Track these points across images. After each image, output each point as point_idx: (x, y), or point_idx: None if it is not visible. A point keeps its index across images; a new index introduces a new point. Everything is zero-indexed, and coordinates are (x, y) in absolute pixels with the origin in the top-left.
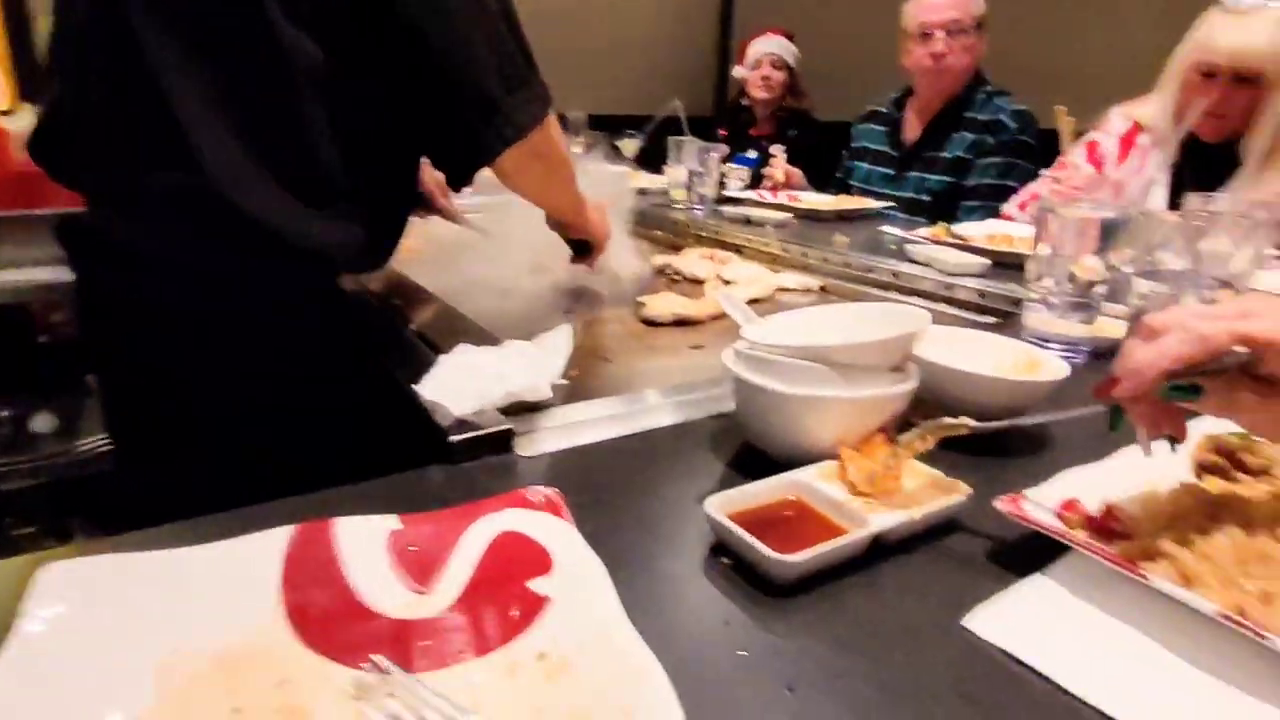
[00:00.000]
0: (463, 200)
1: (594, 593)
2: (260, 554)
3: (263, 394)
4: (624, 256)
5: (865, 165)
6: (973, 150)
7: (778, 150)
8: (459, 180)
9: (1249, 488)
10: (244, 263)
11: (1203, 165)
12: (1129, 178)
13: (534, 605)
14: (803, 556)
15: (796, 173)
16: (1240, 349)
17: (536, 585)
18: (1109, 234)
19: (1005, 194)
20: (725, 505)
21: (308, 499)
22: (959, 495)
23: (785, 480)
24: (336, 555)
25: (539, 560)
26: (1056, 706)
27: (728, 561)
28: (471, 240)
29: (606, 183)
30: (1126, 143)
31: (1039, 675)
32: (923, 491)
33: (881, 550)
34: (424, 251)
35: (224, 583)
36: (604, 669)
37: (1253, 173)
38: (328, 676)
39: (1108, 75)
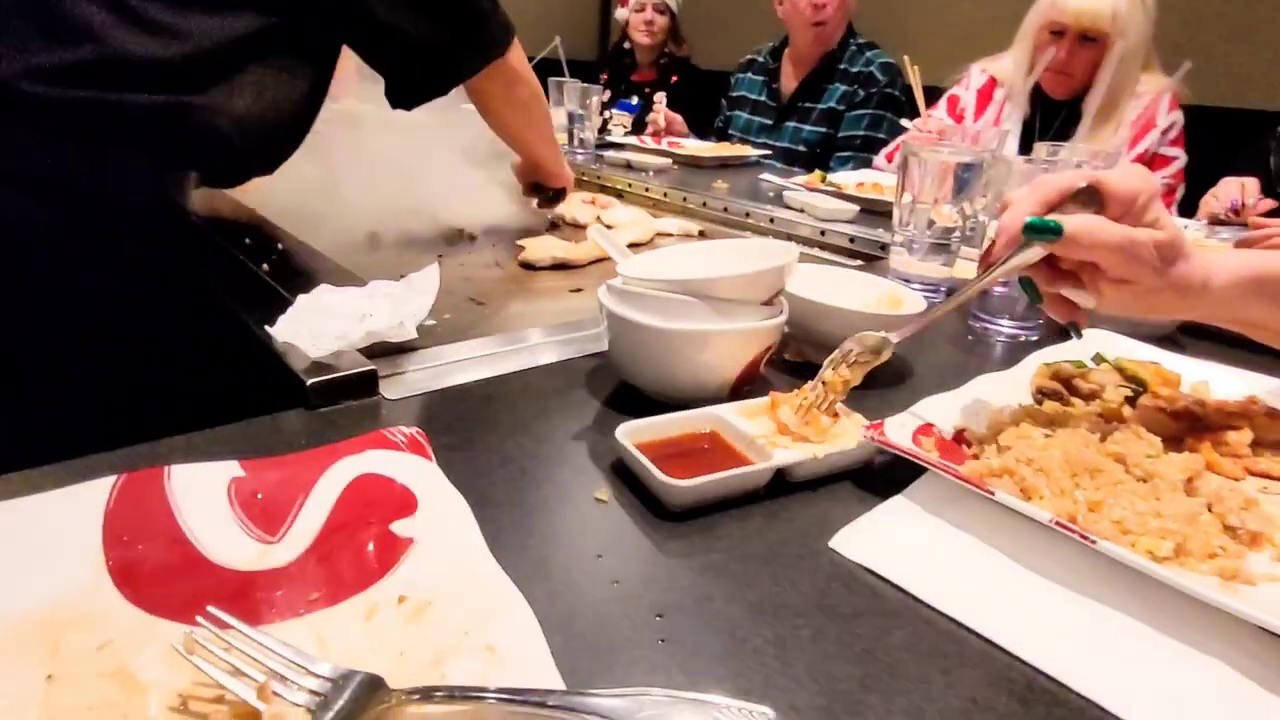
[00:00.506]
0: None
1: (458, 532)
2: (78, 507)
3: (85, 324)
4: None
5: (744, 115)
6: (845, 102)
7: (660, 97)
8: (414, 101)
9: (1080, 410)
10: (86, 161)
11: (1051, 119)
12: (985, 129)
13: (396, 548)
14: (694, 482)
15: (678, 119)
16: (1084, 185)
17: (399, 527)
18: (965, 181)
19: (876, 145)
20: (636, 434)
21: (141, 449)
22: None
23: (703, 414)
24: (170, 505)
25: (402, 501)
26: (910, 614)
27: (602, 498)
28: (336, 175)
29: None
30: (984, 96)
31: (896, 588)
32: (849, 434)
33: (789, 486)
34: (278, 186)
35: (35, 541)
36: (467, 606)
37: (1092, 126)
38: (158, 635)
39: (971, 33)
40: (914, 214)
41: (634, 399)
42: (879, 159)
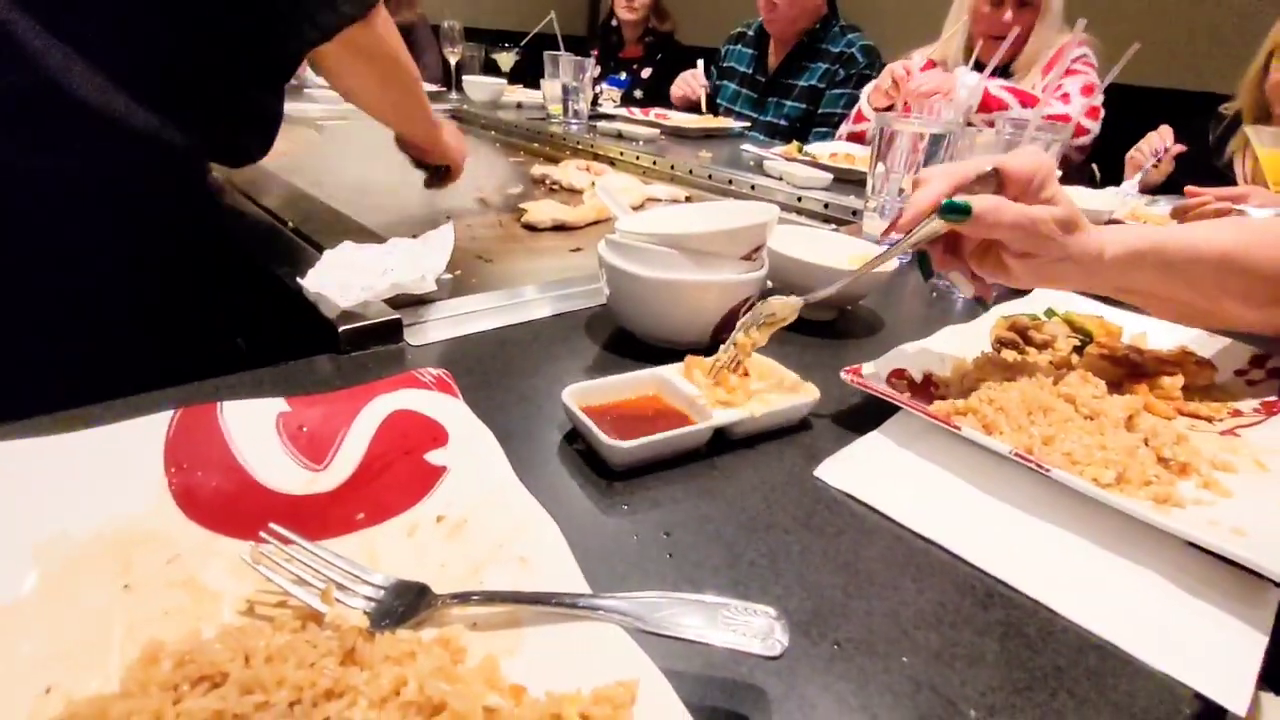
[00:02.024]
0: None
1: (487, 459)
2: (139, 438)
3: (129, 278)
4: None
5: (733, 86)
6: (825, 80)
7: (697, 74)
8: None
9: (1034, 357)
10: (95, 161)
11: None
12: (934, 103)
13: (431, 474)
14: (635, 443)
15: (705, 82)
16: (990, 169)
17: (433, 457)
18: (933, 152)
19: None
20: (582, 396)
21: (190, 387)
22: (808, 397)
23: (647, 376)
24: (224, 437)
25: (434, 434)
26: (885, 532)
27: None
28: (346, 145)
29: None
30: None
31: (873, 510)
32: (775, 393)
33: (730, 445)
34: (295, 154)
35: (102, 467)
36: (499, 524)
37: (1016, 82)
38: (221, 551)
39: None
40: (887, 181)
41: (629, 344)
42: (840, 131)
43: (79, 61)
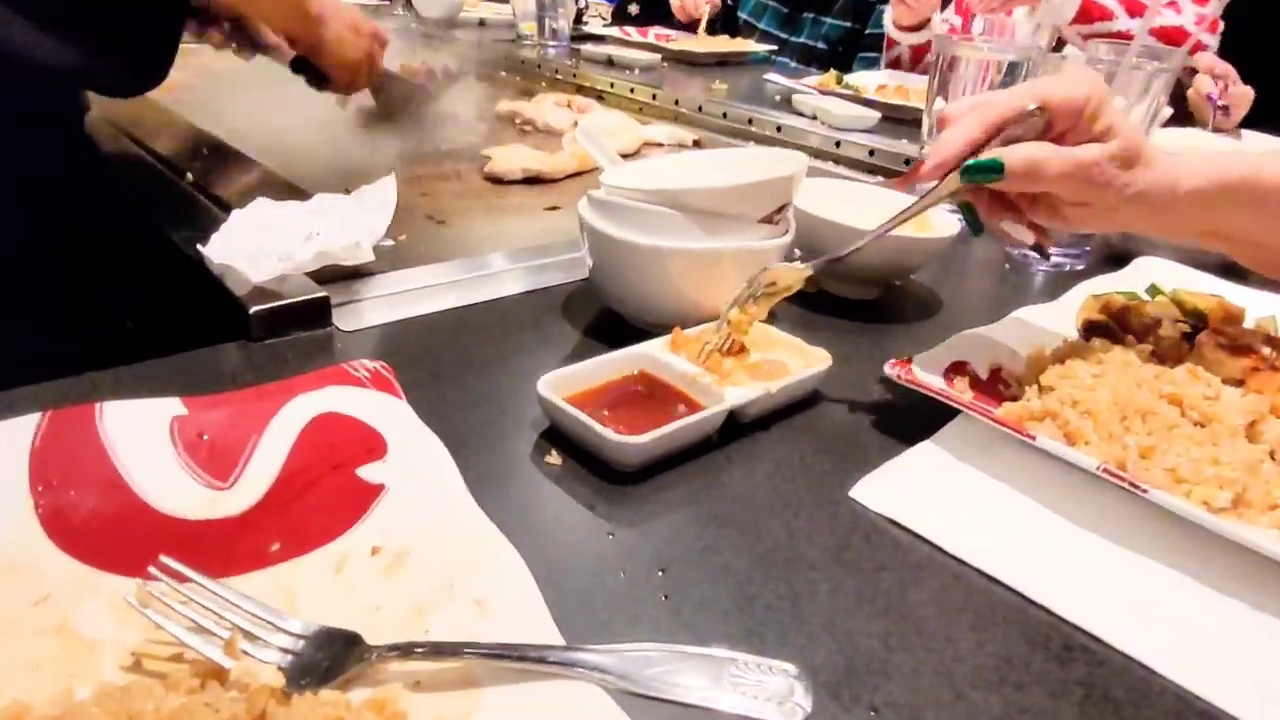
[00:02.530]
0: None
1: (435, 475)
2: (1, 447)
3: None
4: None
5: None
6: None
7: None
8: None
9: (1133, 346)
10: None
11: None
12: (1009, 20)
13: (365, 494)
14: (647, 438)
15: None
16: (1033, 107)
17: (367, 472)
18: (1008, 84)
19: None
20: (561, 385)
21: (62, 384)
22: (820, 364)
23: (630, 354)
24: (105, 447)
25: (369, 443)
26: (937, 569)
27: (554, 462)
28: (262, 74)
29: None
30: None
31: (922, 540)
32: (781, 363)
33: (741, 428)
34: (199, 87)
35: None
36: (450, 557)
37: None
38: (100, 589)
39: None
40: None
41: (617, 328)
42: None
43: None
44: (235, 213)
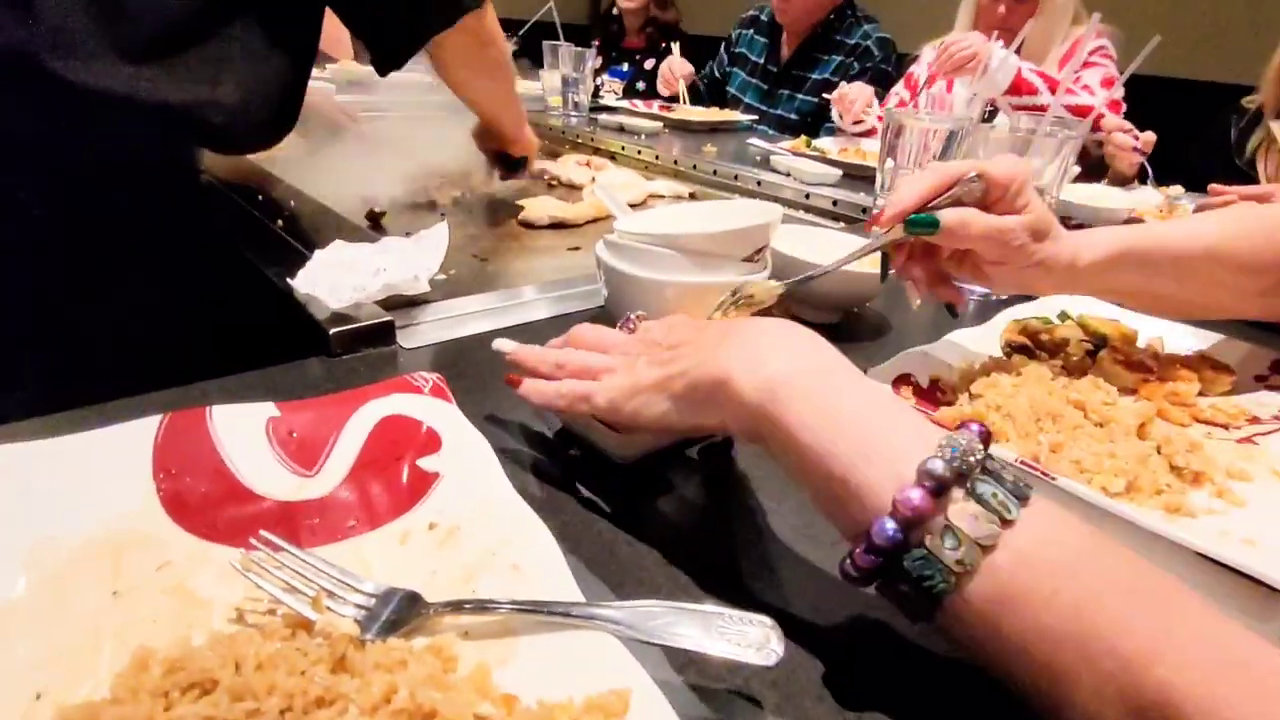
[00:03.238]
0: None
1: (480, 466)
2: (127, 442)
3: (115, 284)
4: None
5: (742, 74)
6: (839, 73)
7: (672, 64)
8: (393, 59)
9: (1045, 361)
10: (78, 135)
11: None
12: (949, 96)
13: (424, 481)
14: (637, 437)
15: (681, 63)
16: (974, 175)
17: (426, 463)
18: (947, 146)
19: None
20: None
21: (177, 391)
22: None
23: None
24: (213, 442)
25: (427, 440)
26: None
27: (575, 454)
28: (341, 142)
29: None
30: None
31: None
32: None
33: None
34: (289, 149)
35: (91, 473)
36: (492, 532)
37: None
38: (211, 558)
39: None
40: (897, 178)
41: None
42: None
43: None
44: (317, 253)
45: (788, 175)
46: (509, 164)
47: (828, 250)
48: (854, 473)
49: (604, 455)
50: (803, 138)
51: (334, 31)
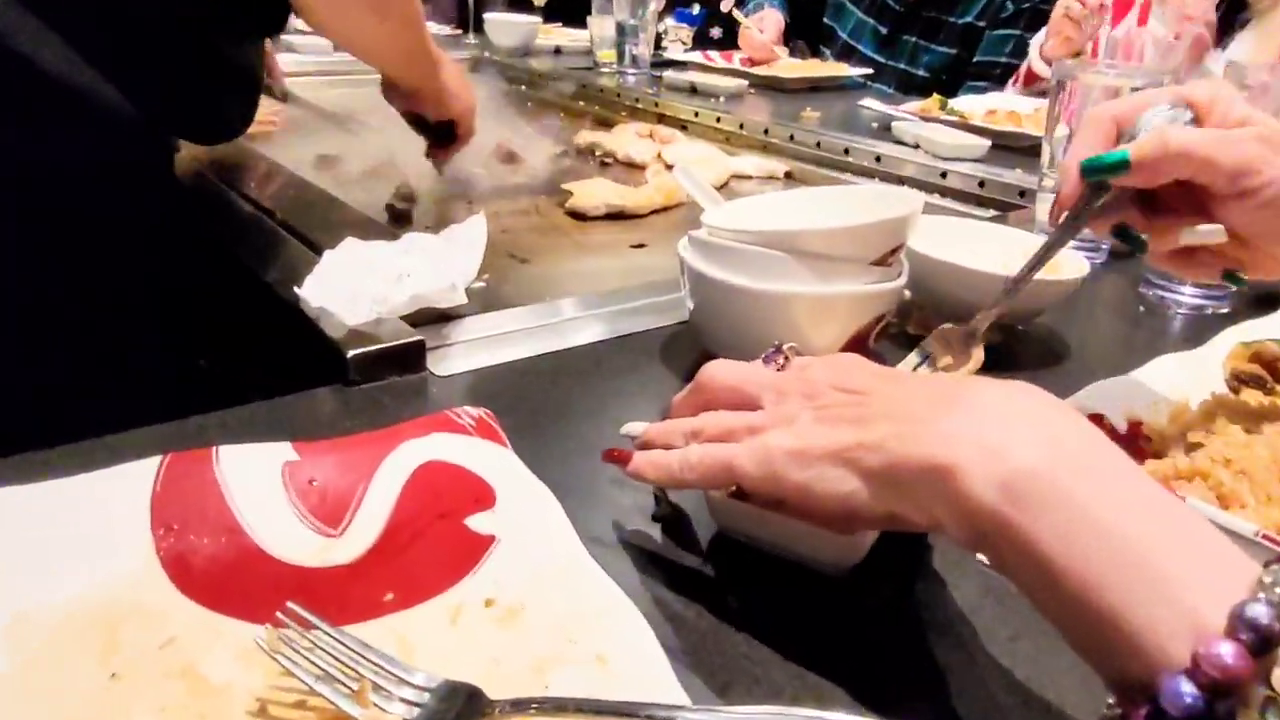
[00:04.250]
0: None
1: (546, 526)
2: (122, 490)
3: (84, 298)
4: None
5: (858, 13)
6: (987, 17)
7: (761, 19)
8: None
9: None
10: (35, 133)
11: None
12: (1137, 38)
13: (475, 545)
14: (867, 537)
15: (775, 22)
16: (1171, 105)
17: (477, 522)
18: None
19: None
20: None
21: (172, 426)
22: None
23: None
24: (222, 491)
25: (477, 492)
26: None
27: (664, 513)
28: (342, 117)
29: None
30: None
31: None
32: None
33: None
34: (280, 126)
35: (78, 526)
36: (567, 611)
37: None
38: (222, 634)
39: None
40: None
41: None
42: (1011, 85)
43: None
44: (327, 254)
45: (915, 147)
46: (433, 132)
47: (976, 248)
48: (1131, 612)
49: (810, 566)
50: (935, 97)
51: None
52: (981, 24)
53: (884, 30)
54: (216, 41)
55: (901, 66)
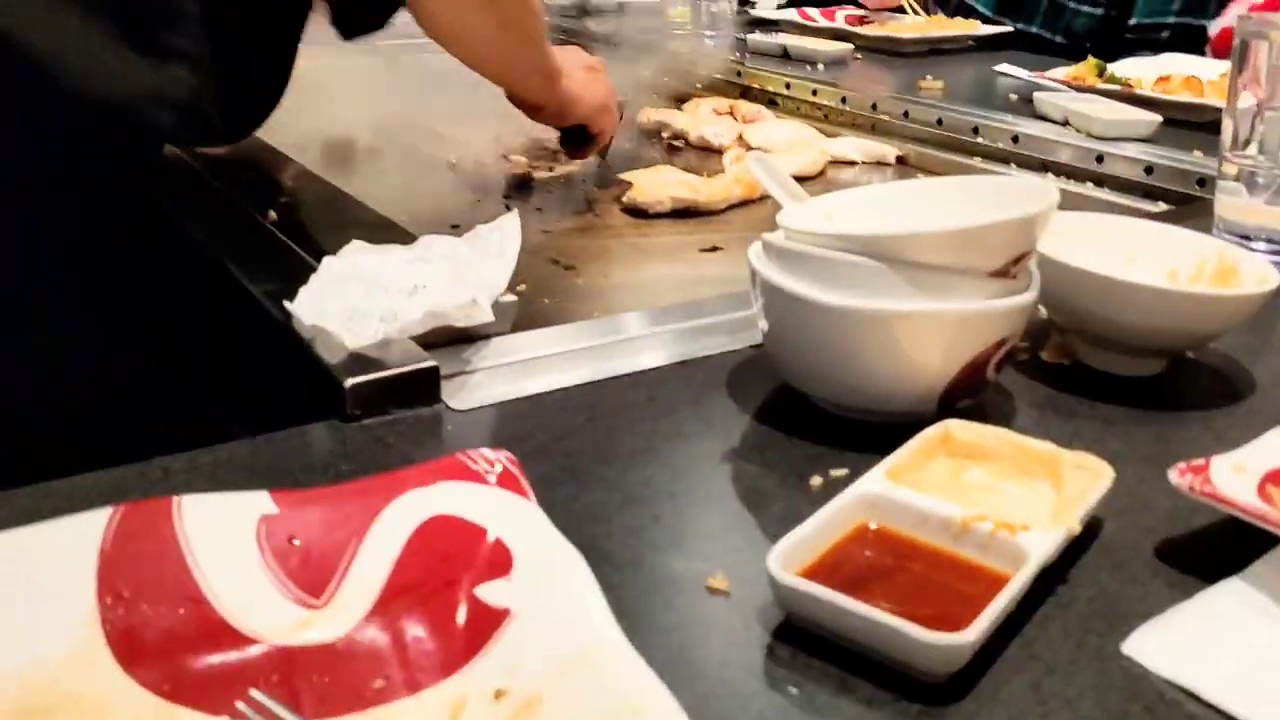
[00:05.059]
0: None
1: (571, 599)
2: (61, 549)
3: (44, 314)
4: None
5: None
6: None
7: None
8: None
9: None
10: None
11: None
12: None
13: (486, 621)
14: (972, 635)
15: None
16: None
17: (489, 592)
18: None
19: (1196, 39)
20: (794, 555)
21: (131, 470)
22: (1098, 480)
23: (849, 500)
24: (183, 551)
25: (491, 557)
26: None
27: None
28: (360, 83)
29: None
30: None
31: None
32: (1020, 480)
33: None
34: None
35: (8, 591)
36: (592, 705)
37: None
38: None
39: None
40: (1261, 128)
41: (800, 411)
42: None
43: None
44: (326, 260)
45: (1064, 124)
46: (571, 138)
47: (1138, 255)
48: None
49: (892, 662)
50: (1091, 61)
51: None
52: None
53: None
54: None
55: (1033, 31)
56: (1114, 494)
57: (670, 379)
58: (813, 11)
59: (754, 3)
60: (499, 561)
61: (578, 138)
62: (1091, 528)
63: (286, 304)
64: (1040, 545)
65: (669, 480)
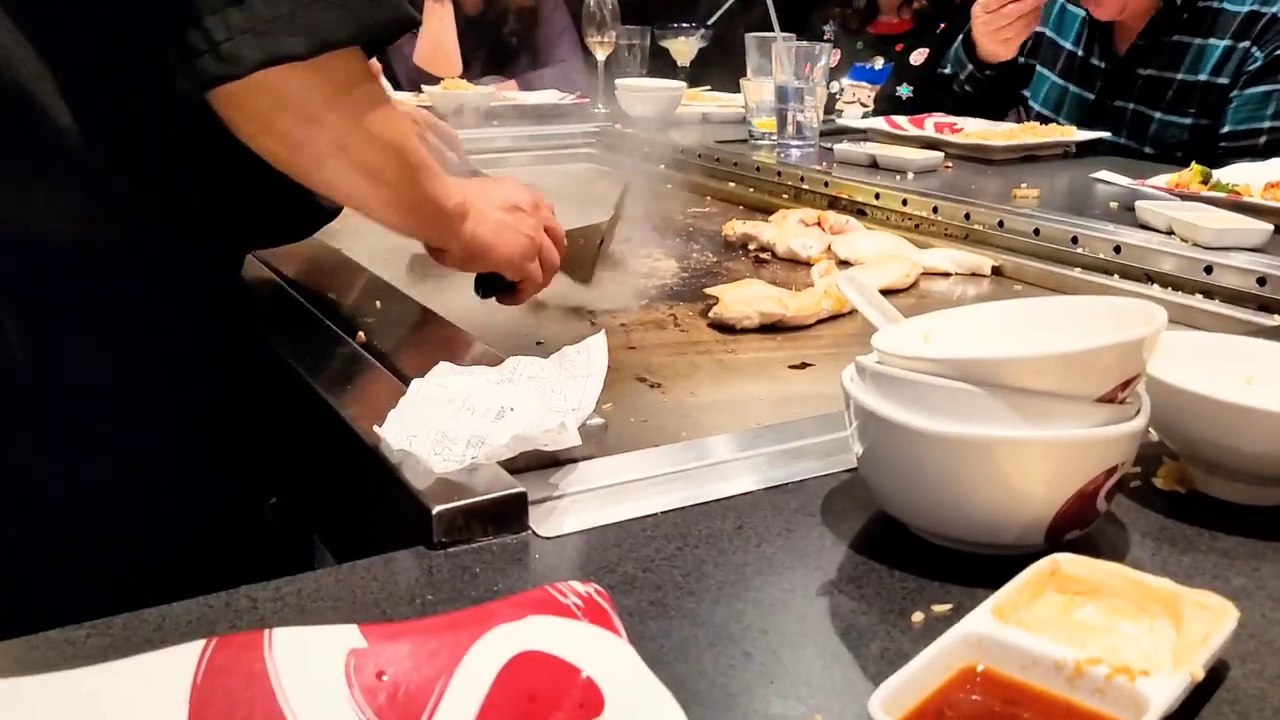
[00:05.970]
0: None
1: None
2: (159, 681)
3: (134, 435)
4: None
5: (1050, 75)
6: (1229, 71)
7: None
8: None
9: None
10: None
11: None
12: None
13: None
14: None
15: None
16: None
17: None
18: None
19: None
20: (896, 700)
21: (220, 599)
22: (1222, 620)
23: (954, 640)
24: (273, 686)
25: (582, 696)
26: None
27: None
28: None
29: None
30: None
31: None
32: (1137, 620)
33: None
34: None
35: None
36: None
37: None
38: None
39: None
40: None
41: (898, 541)
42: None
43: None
44: (414, 383)
45: (1169, 233)
46: (485, 285)
47: (1253, 373)
48: None
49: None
50: (1195, 168)
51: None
52: (1223, 81)
53: (1089, 96)
54: None
55: (1122, 142)
56: (1238, 636)
57: (761, 505)
58: (901, 119)
59: (841, 110)
60: (590, 701)
61: (492, 285)
62: (1215, 673)
63: (375, 428)
64: (1162, 692)
65: (761, 616)
